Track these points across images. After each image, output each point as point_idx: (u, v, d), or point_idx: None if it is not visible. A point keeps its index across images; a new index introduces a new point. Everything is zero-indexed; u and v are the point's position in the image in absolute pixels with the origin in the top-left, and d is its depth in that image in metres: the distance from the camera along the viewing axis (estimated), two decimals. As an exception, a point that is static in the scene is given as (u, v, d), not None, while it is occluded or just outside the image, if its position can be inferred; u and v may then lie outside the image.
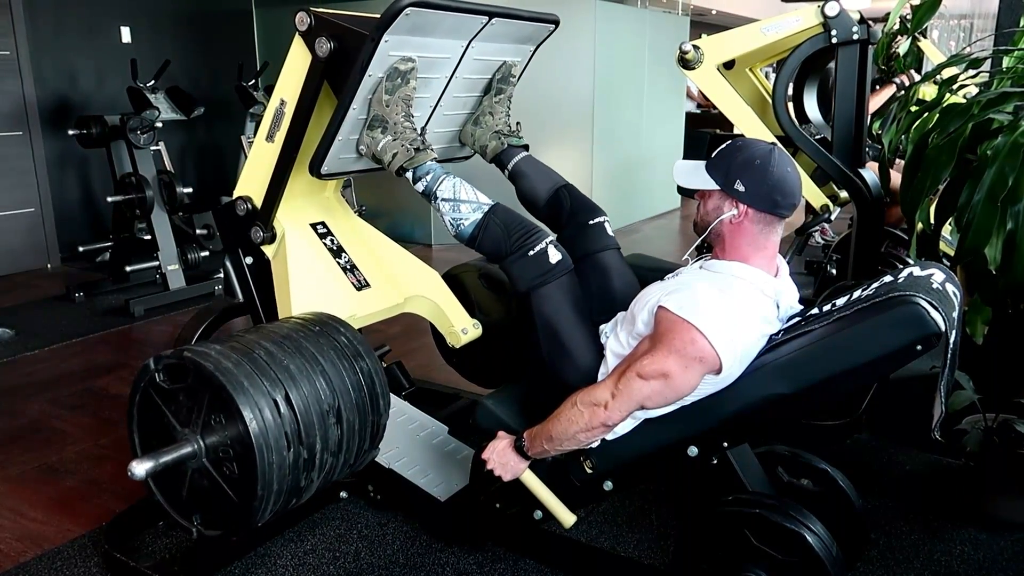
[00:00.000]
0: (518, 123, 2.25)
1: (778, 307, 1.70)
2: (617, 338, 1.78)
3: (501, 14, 2.01)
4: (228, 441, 1.71)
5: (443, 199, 1.91)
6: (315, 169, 1.98)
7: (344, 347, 1.90)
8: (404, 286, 2.34)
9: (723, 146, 1.73)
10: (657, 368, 1.56)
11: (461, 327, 2.36)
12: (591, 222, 2.07)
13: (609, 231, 2.09)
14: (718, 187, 1.68)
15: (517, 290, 1.87)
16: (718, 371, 1.56)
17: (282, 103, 2.02)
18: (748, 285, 1.66)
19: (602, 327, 1.88)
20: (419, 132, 2.00)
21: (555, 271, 1.84)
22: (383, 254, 2.40)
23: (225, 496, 1.74)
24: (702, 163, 1.73)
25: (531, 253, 1.84)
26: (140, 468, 1.66)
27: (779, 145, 1.71)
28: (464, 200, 1.90)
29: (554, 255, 1.85)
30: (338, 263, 2.23)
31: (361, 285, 2.24)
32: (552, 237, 1.88)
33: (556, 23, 2.19)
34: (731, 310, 1.58)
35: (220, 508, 1.77)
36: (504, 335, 2.52)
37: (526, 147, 2.22)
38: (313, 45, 1.89)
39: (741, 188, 1.65)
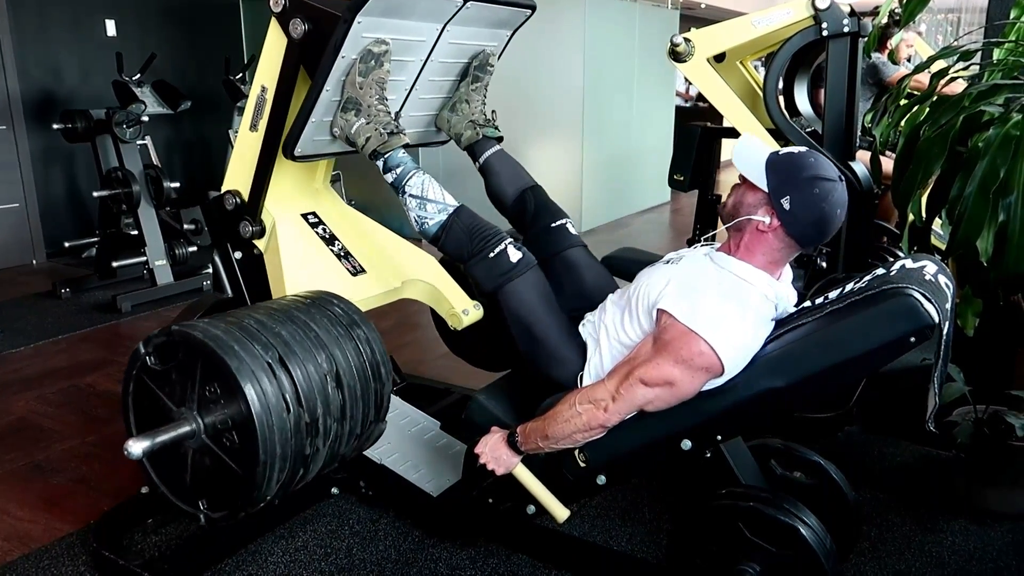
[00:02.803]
0: (494, 112, 2.25)
1: (776, 309, 1.69)
2: (612, 321, 1.77)
3: None
4: (225, 410, 1.67)
5: (411, 195, 1.93)
6: (289, 151, 1.97)
7: (339, 316, 1.88)
8: (400, 271, 2.32)
9: (794, 151, 1.65)
10: (662, 376, 1.57)
11: (462, 308, 2.30)
12: (553, 225, 2.10)
13: (572, 231, 2.11)
14: (766, 190, 1.62)
15: (483, 291, 1.90)
16: (720, 375, 1.57)
17: (263, 90, 2.01)
18: (752, 289, 1.64)
19: (586, 316, 1.89)
20: (393, 116, 2.00)
21: (517, 268, 1.86)
22: (377, 240, 2.38)
23: (228, 471, 1.70)
24: (767, 154, 1.65)
25: (491, 255, 1.86)
26: (137, 447, 1.62)
27: (844, 181, 1.63)
28: (431, 199, 1.92)
29: (514, 254, 1.87)
30: (332, 251, 2.22)
31: (356, 271, 2.22)
32: (510, 239, 1.90)
33: (532, 8, 2.19)
34: (736, 317, 1.57)
35: (224, 485, 1.72)
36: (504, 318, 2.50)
37: (500, 139, 2.22)
38: (288, 27, 1.88)
39: (786, 206, 1.59)
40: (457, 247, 1.91)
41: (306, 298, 1.92)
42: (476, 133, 2.19)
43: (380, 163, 1.95)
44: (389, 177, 1.95)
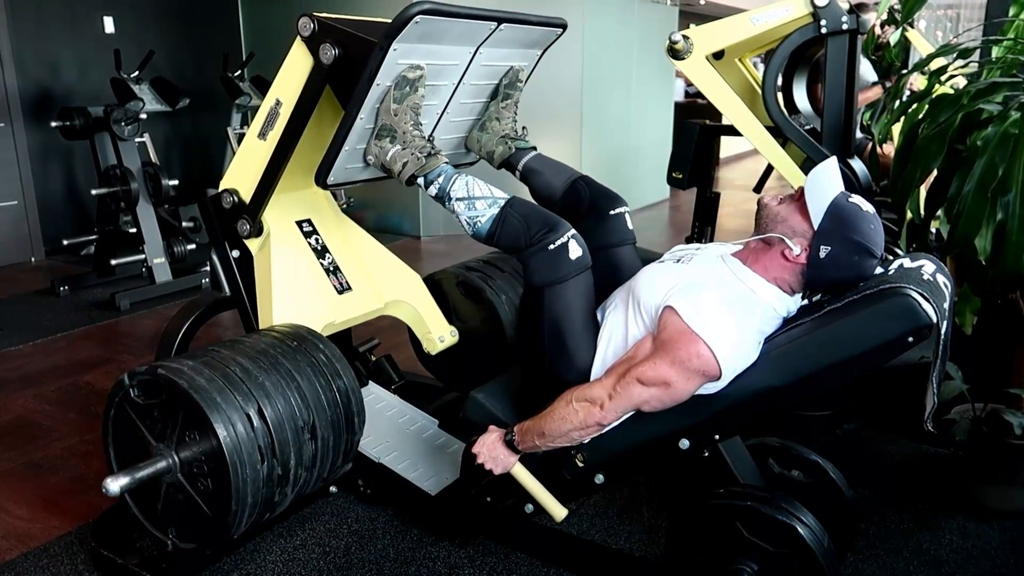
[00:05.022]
0: (524, 127, 2.21)
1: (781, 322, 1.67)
2: (616, 317, 1.75)
3: (509, 19, 1.98)
4: (202, 457, 1.73)
5: (457, 199, 1.82)
6: (321, 180, 1.94)
7: (322, 365, 1.91)
8: (386, 290, 2.36)
9: (862, 208, 1.58)
10: (659, 376, 1.56)
11: (438, 335, 2.39)
12: (612, 212, 2.00)
13: (629, 224, 2.02)
14: (813, 227, 1.59)
15: (531, 283, 1.77)
16: (717, 379, 1.56)
17: (277, 103, 2.00)
18: (759, 301, 1.63)
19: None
20: (427, 138, 1.95)
21: (573, 268, 1.74)
22: (367, 255, 2.40)
23: (200, 511, 1.76)
24: (837, 191, 1.59)
25: (551, 247, 1.73)
26: (115, 485, 1.69)
27: (892, 258, 1.61)
28: (478, 196, 1.81)
29: (575, 250, 1.74)
30: (321, 264, 2.23)
31: (343, 288, 2.24)
32: (573, 231, 1.76)
33: (564, 27, 2.17)
34: (739, 325, 1.56)
35: (195, 522, 1.79)
36: (479, 343, 2.55)
37: (533, 148, 2.17)
38: (317, 51, 1.86)
39: (822, 255, 1.57)
40: (513, 238, 1.77)
41: (293, 340, 1.94)
42: (509, 147, 2.14)
43: (420, 182, 1.88)
44: (432, 190, 1.87)
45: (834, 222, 1.57)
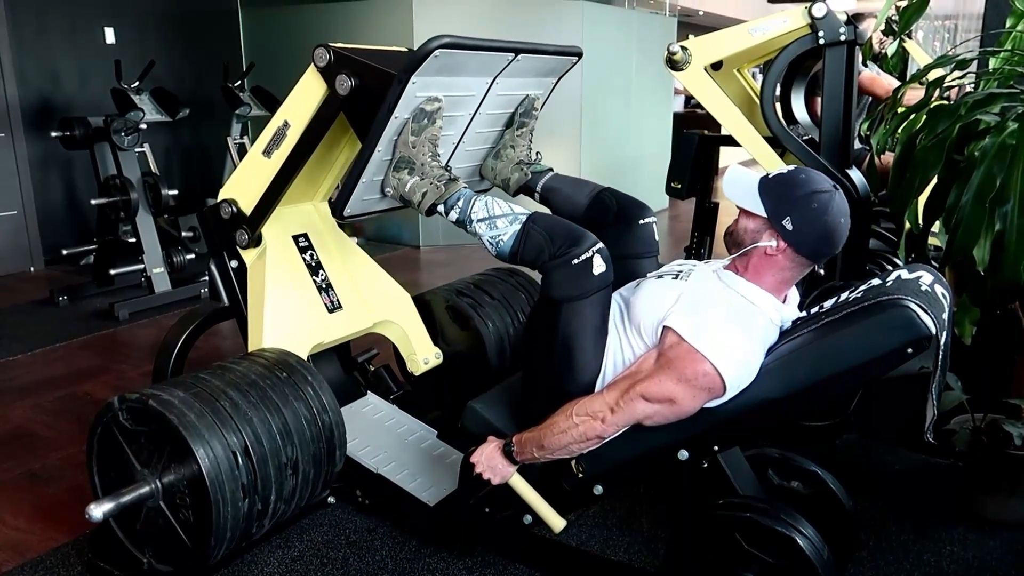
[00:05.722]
0: (538, 153, 2.21)
1: (779, 332, 1.68)
2: (615, 331, 1.75)
3: (526, 50, 1.99)
4: (186, 489, 1.76)
5: (478, 220, 1.79)
6: (338, 212, 1.95)
7: (310, 400, 1.94)
8: (375, 310, 2.38)
9: (784, 172, 1.64)
10: (664, 393, 1.56)
11: (423, 356, 2.43)
12: (642, 222, 1.99)
13: (656, 235, 2.01)
14: (764, 215, 1.61)
15: (550, 296, 1.72)
16: (721, 395, 1.57)
17: (286, 124, 2.01)
18: (760, 312, 1.63)
19: None
20: (444, 167, 1.94)
21: (596, 284, 1.69)
22: (360, 273, 2.42)
23: (178, 538, 1.79)
24: (756, 180, 1.64)
25: (575, 262, 1.67)
26: (98, 511, 1.72)
27: (840, 191, 1.62)
28: (499, 215, 1.78)
29: (599, 265, 1.68)
30: (314, 281, 2.25)
31: (333, 307, 2.26)
32: (600, 245, 1.71)
33: (579, 55, 2.18)
34: (741, 340, 1.57)
35: (172, 547, 1.82)
36: (462, 366, 2.59)
37: (550, 170, 2.16)
38: (334, 82, 1.87)
39: (789, 226, 1.58)
40: (537, 252, 1.72)
41: (283, 370, 1.97)
42: (525, 173, 2.14)
43: (440, 209, 1.86)
44: (453, 215, 1.84)
45: (773, 198, 1.60)
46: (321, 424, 1.94)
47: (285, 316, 2.14)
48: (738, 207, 1.67)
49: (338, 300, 2.27)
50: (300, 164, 1.99)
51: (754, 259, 1.65)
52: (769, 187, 1.61)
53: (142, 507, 1.83)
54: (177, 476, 1.77)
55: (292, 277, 2.20)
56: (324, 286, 2.25)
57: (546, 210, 2.07)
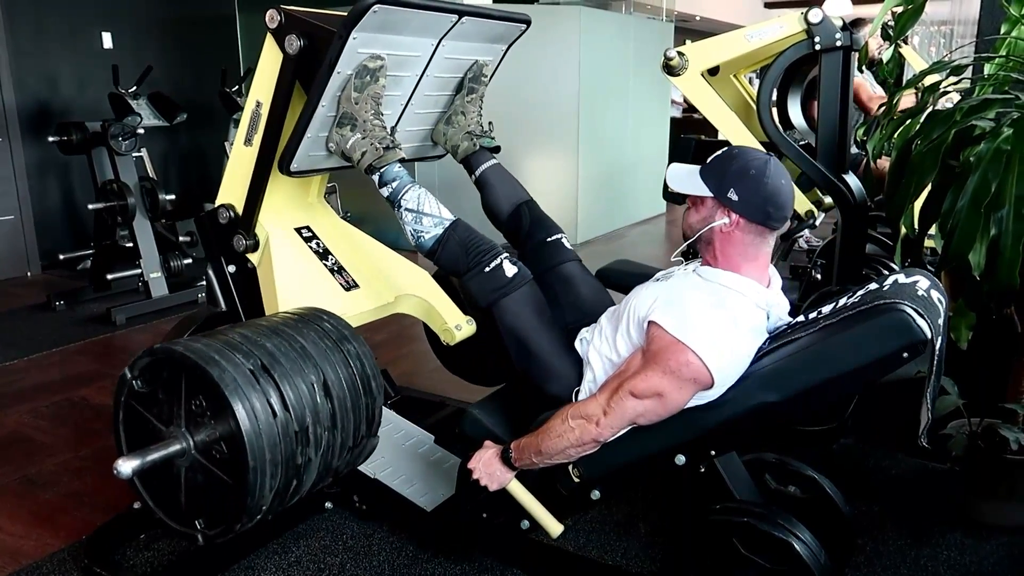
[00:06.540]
0: (490, 123, 2.26)
1: (768, 318, 1.69)
2: (604, 338, 1.78)
3: (471, 12, 2.01)
4: (212, 422, 1.66)
5: (407, 209, 1.92)
6: (285, 166, 1.97)
7: (328, 331, 1.87)
8: (394, 285, 2.32)
9: (719, 153, 1.72)
10: (651, 387, 1.57)
11: (455, 323, 2.29)
12: (548, 239, 2.11)
13: (567, 246, 2.12)
14: (711, 194, 1.67)
15: (478, 306, 1.90)
16: (710, 387, 1.57)
17: (258, 104, 2.01)
18: (740, 297, 1.65)
19: (582, 332, 1.89)
20: (389, 130, 2.00)
21: (512, 283, 1.86)
22: (370, 255, 2.38)
23: (221, 483, 1.68)
24: (696, 168, 1.72)
25: (487, 269, 1.86)
26: (126, 466, 1.61)
27: (774, 156, 1.69)
28: (427, 213, 1.91)
29: (509, 269, 1.87)
30: (325, 265, 2.21)
31: (350, 286, 2.22)
32: (506, 254, 1.90)
33: (527, 23, 2.20)
34: (725, 326, 1.58)
35: (218, 499, 1.71)
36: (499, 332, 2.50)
37: (497, 148, 2.24)
38: (283, 43, 1.88)
39: (734, 197, 1.63)
40: (453, 261, 1.91)
41: (295, 314, 1.91)
42: (473, 144, 2.20)
43: (376, 177, 1.95)
44: (385, 191, 1.94)
45: (714, 176, 1.67)
46: (347, 352, 1.84)
47: (300, 297, 2.08)
48: (687, 197, 1.74)
49: (353, 280, 2.24)
50: (276, 141, 1.98)
51: (717, 244, 1.69)
52: (709, 169, 1.69)
53: (179, 472, 1.73)
54: (199, 411, 1.67)
55: (301, 263, 2.17)
56: (336, 268, 2.23)
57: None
